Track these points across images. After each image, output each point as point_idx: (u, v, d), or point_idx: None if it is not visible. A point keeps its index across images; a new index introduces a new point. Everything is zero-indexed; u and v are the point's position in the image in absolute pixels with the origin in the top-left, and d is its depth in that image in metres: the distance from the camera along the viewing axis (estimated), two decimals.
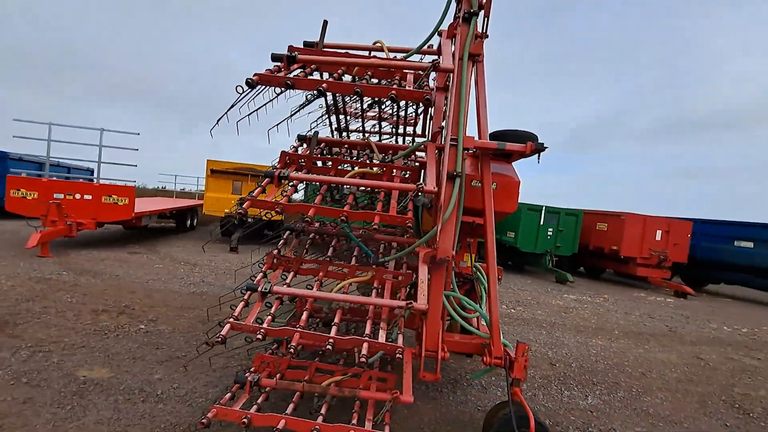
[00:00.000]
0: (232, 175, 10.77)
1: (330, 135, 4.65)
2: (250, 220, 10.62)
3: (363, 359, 2.15)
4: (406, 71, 2.72)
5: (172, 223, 12.98)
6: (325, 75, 2.96)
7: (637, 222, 11.18)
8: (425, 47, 3.21)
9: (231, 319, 2.25)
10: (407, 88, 2.56)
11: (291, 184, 2.56)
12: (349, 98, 3.93)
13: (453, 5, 2.61)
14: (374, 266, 2.84)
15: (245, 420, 2.14)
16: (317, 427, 2.14)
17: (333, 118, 4.36)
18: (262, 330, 2.22)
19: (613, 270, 12.62)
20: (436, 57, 3.14)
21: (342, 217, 2.43)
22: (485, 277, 3.12)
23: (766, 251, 10.70)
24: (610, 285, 11.79)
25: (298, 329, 2.27)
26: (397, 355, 2.20)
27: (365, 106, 4.02)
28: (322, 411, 2.38)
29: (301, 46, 3.07)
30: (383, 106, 4.04)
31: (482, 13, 2.45)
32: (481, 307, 3.04)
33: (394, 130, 4.37)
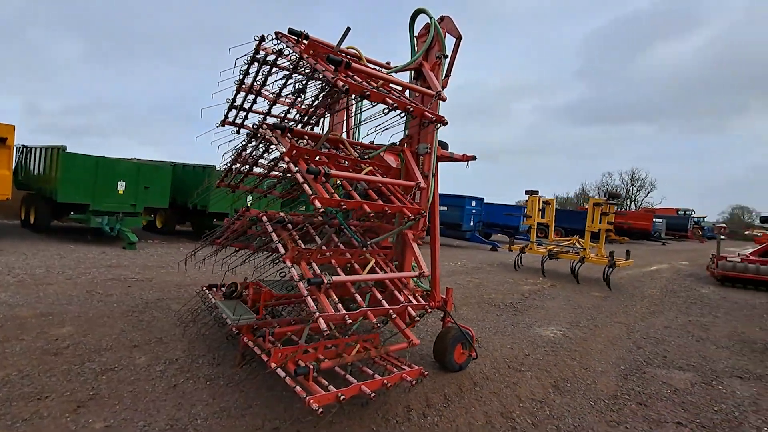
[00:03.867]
0: None
1: (227, 111, 4.28)
2: None
3: (418, 318, 2.86)
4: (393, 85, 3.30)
5: None
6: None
7: None
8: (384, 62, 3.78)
9: (318, 314, 2.39)
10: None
11: (330, 181, 2.74)
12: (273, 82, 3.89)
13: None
14: (363, 248, 3.37)
15: (342, 396, 2.44)
16: (386, 381, 2.72)
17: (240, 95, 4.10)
18: (347, 315, 2.50)
19: None
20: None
21: (335, 211, 2.88)
22: None
23: (451, 212, 16.60)
24: None
25: (369, 308, 2.67)
26: (428, 310, 3.03)
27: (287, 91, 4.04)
28: (368, 370, 2.92)
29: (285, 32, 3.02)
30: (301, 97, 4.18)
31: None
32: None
33: (300, 117, 4.54)
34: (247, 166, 4.06)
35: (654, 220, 31.66)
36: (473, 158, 3.81)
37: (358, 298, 2.78)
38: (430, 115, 2.85)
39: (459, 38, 3.39)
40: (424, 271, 3.19)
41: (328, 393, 2.43)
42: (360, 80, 2.73)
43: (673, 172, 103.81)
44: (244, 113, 4.33)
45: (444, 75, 3.48)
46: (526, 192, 11.78)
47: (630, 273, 12.24)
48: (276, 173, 4.12)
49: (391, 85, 3.18)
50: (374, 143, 3.92)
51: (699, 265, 16.17)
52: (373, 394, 2.54)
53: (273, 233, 3.04)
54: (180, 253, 8.84)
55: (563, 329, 5.67)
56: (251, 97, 4.12)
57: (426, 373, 2.97)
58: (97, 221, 8.14)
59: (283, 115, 4.41)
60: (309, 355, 3.01)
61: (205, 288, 4.47)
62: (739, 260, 11.48)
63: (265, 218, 3.19)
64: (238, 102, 4.15)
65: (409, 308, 2.94)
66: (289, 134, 3.24)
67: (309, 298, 2.50)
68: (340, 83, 2.36)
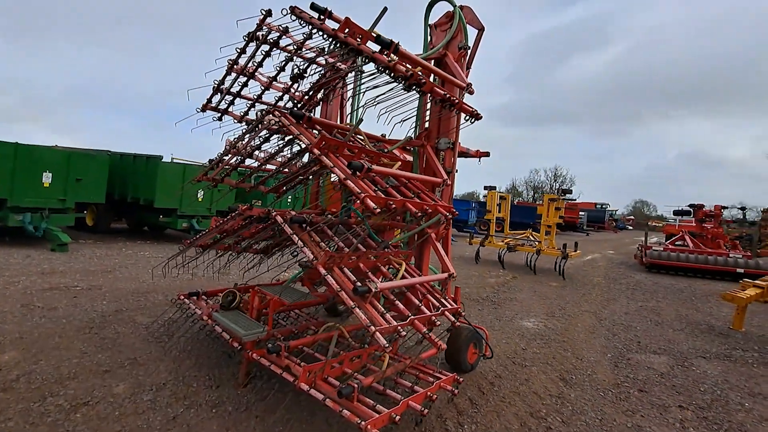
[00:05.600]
0: None
1: (210, 95, 3.78)
2: None
3: (457, 322, 2.71)
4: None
5: None
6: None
7: None
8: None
9: (373, 327, 2.14)
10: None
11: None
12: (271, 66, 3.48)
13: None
14: (385, 249, 3.14)
15: (396, 417, 2.22)
16: (429, 393, 2.54)
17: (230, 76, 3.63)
18: (399, 327, 2.27)
19: None
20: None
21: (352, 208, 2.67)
22: None
23: None
24: None
25: (415, 317, 2.46)
26: (461, 312, 2.89)
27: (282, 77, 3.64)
28: (405, 382, 2.71)
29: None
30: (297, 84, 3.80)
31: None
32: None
33: (293, 103, 4.14)
34: (239, 158, 3.60)
35: (579, 212, 34.87)
36: (486, 155, 3.73)
37: (401, 306, 2.55)
38: (470, 110, 2.69)
39: (481, 29, 3.26)
40: (453, 273, 3.04)
41: (382, 414, 2.19)
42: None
43: (587, 170, 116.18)
44: (231, 98, 3.84)
45: (465, 67, 3.32)
46: (485, 188, 12.17)
47: (573, 263, 13.21)
48: (270, 166, 3.72)
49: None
50: (385, 135, 3.66)
51: (623, 254, 18.03)
52: (426, 410, 2.34)
53: (294, 235, 2.67)
54: (123, 254, 7.78)
55: (542, 321, 5.89)
56: (241, 80, 3.66)
57: (461, 379, 2.84)
58: (18, 219, 6.83)
59: (274, 101, 3.98)
60: (335, 369, 2.73)
61: (183, 296, 3.90)
62: (662, 249, 12.96)
63: (279, 218, 2.81)
64: (226, 85, 3.66)
65: (446, 312, 2.78)
66: (305, 123, 2.89)
67: (357, 309, 2.23)
68: (402, 68, 2.10)
